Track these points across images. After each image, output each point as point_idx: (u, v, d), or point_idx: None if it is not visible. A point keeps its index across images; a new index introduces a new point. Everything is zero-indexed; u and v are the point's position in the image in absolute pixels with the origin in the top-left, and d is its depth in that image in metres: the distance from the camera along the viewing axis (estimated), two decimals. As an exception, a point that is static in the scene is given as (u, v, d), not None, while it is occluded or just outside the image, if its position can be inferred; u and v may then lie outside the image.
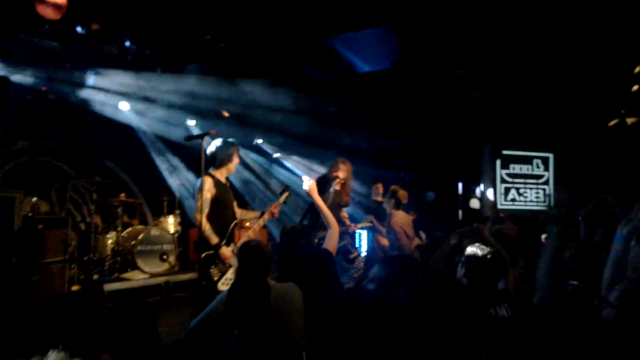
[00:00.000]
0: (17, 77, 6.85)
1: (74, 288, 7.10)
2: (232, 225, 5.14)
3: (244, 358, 2.43)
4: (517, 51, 6.58)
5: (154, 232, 8.16)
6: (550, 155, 10.86)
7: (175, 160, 10.15)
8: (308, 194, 4.08)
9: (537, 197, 10.77)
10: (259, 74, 7.37)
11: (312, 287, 3.17)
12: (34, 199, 7.25)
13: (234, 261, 4.83)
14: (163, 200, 9.27)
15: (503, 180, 10.63)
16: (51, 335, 4.90)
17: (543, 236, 4.41)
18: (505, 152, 10.67)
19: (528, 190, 10.74)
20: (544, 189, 10.80)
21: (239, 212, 5.46)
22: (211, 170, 5.14)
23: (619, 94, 8.02)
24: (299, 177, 12.13)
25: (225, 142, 5.18)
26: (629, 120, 8.76)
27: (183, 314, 6.44)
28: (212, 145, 5.21)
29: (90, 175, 8.17)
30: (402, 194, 6.75)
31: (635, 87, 7.46)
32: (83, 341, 4.74)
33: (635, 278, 2.34)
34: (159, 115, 9.08)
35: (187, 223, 9.45)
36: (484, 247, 2.70)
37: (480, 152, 10.73)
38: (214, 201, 4.98)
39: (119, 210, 8.18)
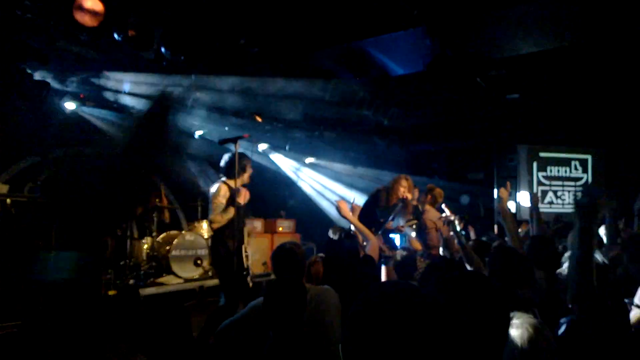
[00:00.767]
0: (55, 84, 6.99)
1: (111, 293, 7.18)
2: (244, 228, 5.52)
3: (280, 359, 2.41)
4: (554, 52, 6.42)
5: (189, 237, 8.21)
6: (589, 157, 10.61)
7: (208, 165, 10.21)
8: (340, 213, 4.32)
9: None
10: (292, 77, 7.37)
11: (352, 286, 3.17)
12: (72, 204, 7.36)
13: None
14: (197, 205, 9.34)
15: (540, 183, 10.42)
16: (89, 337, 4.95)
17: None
18: (542, 154, 10.46)
19: (566, 193, 10.51)
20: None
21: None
22: (226, 180, 5.39)
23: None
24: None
25: (238, 155, 5.37)
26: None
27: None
28: (225, 157, 5.47)
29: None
30: (439, 192, 6.73)
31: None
32: (119, 343, 4.81)
33: None
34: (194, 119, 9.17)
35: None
36: None
37: (517, 155, 10.55)
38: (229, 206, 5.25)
39: (154, 215, 8.26)
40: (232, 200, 5.23)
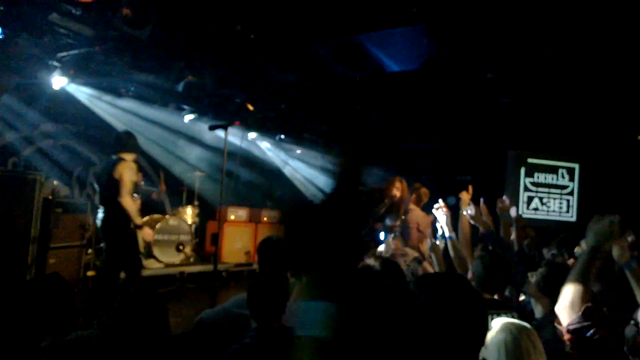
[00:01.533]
0: (45, 59, 6.86)
1: (90, 273, 7.11)
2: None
3: (263, 351, 2.40)
4: (549, 58, 6.42)
5: (172, 222, 8.16)
6: (577, 166, 10.67)
7: (197, 150, 10.12)
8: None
9: (560, 208, 10.59)
10: (285, 68, 7.29)
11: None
12: (55, 182, 7.27)
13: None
14: (182, 190, 9.27)
15: (526, 189, 10.47)
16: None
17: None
18: (530, 160, 10.51)
19: (552, 200, 10.57)
20: (568, 200, 10.61)
21: None
22: (126, 156, 5.64)
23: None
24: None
25: (131, 134, 5.88)
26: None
27: (196, 306, 6.41)
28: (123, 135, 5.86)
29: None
30: (424, 191, 6.73)
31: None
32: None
33: None
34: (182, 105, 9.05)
35: (205, 215, 9.44)
36: None
37: (505, 159, 10.59)
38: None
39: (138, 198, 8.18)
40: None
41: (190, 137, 9.91)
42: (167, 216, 8.52)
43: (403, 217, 6.45)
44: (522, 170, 10.49)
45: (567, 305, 2.13)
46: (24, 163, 7.56)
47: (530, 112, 8.73)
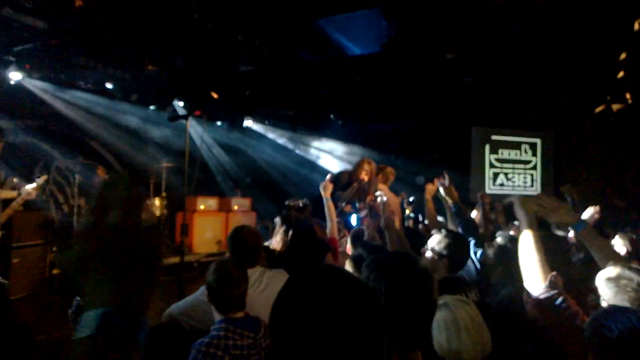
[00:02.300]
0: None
1: (55, 272, 6.99)
2: None
3: (230, 344, 2.40)
4: (508, 36, 6.51)
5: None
6: (538, 141, 10.91)
7: (161, 141, 9.98)
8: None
9: (525, 182, 10.83)
10: (249, 54, 7.23)
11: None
12: (15, 179, 7.09)
13: None
14: (149, 182, 9.15)
15: (492, 165, 10.66)
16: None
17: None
18: (494, 137, 10.70)
19: (516, 175, 10.80)
20: (532, 174, 10.85)
21: None
22: None
23: (606, 81, 8.01)
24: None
25: None
26: (615, 107, 8.80)
27: (167, 299, 6.37)
28: None
29: (74, 156, 8.03)
30: (390, 170, 6.80)
31: (621, 74, 7.46)
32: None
33: None
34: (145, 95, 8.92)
35: (173, 206, 9.35)
36: None
37: (470, 137, 10.76)
38: None
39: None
40: None
41: (152, 128, 9.77)
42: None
43: (372, 197, 6.49)
44: (487, 148, 10.67)
45: (532, 279, 2.26)
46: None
47: (492, 89, 8.87)
